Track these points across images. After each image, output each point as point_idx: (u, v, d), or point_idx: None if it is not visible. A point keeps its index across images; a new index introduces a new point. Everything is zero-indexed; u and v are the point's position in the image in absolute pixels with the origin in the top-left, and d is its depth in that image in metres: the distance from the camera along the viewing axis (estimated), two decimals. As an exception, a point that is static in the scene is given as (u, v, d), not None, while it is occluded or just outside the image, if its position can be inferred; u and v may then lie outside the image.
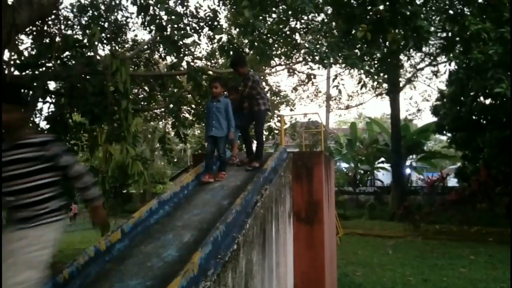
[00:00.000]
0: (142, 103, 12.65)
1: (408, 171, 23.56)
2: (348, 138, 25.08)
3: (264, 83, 14.15)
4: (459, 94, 15.27)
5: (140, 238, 3.29)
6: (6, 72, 5.92)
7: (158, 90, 11.49)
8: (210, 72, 10.51)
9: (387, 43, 9.24)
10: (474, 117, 15.48)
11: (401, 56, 13.60)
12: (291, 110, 18.84)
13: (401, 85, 20.67)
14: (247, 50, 10.02)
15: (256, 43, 7.99)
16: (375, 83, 12.33)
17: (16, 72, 7.07)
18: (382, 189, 23.43)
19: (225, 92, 4.84)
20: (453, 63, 11.65)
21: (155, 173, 32.48)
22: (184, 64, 9.62)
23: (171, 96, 10.83)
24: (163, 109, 12.91)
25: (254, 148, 5.18)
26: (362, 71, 8.97)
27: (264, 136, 5.42)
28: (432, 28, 9.26)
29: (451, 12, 9.69)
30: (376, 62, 10.91)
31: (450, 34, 10.12)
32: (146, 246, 3.13)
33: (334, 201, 6.88)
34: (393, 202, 19.18)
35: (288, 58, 13.68)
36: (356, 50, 9.62)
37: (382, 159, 23.96)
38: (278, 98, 17.54)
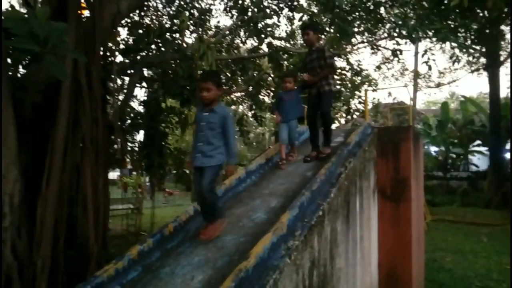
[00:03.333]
0: (224, 86, 13.22)
1: (508, 155, 21.05)
2: (438, 119, 23.16)
3: (345, 62, 13.75)
4: None
5: (231, 203, 3.55)
6: (111, 58, 6.65)
7: (239, 73, 11.91)
8: (291, 52, 10.54)
9: (486, 11, 8.31)
10: None
11: (503, 26, 12.08)
12: (374, 90, 18.03)
13: (501, 59, 18.38)
14: (327, 28, 9.83)
15: (336, 20, 7.81)
16: (471, 57, 11.19)
17: (119, 59, 7.91)
18: (477, 174, 21.35)
19: (295, 87, 4.68)
20: None
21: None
22: (264, 46, 9.82)
23: (251, 80, 11.15)
24: (243, 93, 13.37)
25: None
26: (455, 45, 8.23)
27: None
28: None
29: None
30: (472, 34, 9.89)
31: None
32: (237, 209, 3.38)
33: (422, 181, 6.53)
34: (489, 188, 17.44)
35: (371, 34, 13.05)
36: (449, 22, 8.83)
37: (478, 142, 21.72)
38: (359, 77, 16.90)
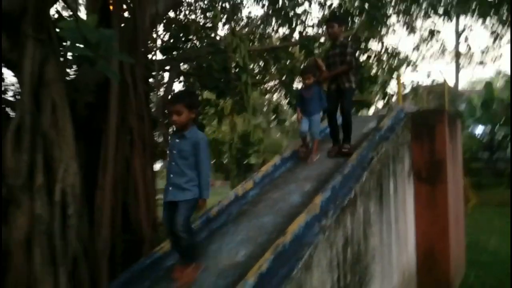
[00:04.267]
0: (258, 76, 13.45)
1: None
2: (483, 99, 22.05)
3: (380, 45, 13.47)
4: None
5: (268, 188, 3.82)
6: (149, 56, 7.07)
7: (271, 63, 12.06)
8: (322, 40, 10.55)
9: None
10: None
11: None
12: (412, 71, 17.49)
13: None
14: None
15: (366, 7, 7.75)
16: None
17: (159, 57, 8.34)
18: (526, 155, 20.16)
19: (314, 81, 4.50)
20: None
21: (271, 144, 34.12)
22: (296, 34, 9.90)
23: (283, 68, 11.28)
24: (277, 82, 13.51)
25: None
26: (496, 21, 7.91)
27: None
28: None
29: None
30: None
31: None
32: (273, 194, 3.65)
33: (461, 163, 6.46)
34: (539, 169, 16.50)
35: (407, 15, 12.70)
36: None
37: (526, 121, 20.45)
38: (396, 60, 16.46)
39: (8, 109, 6.63)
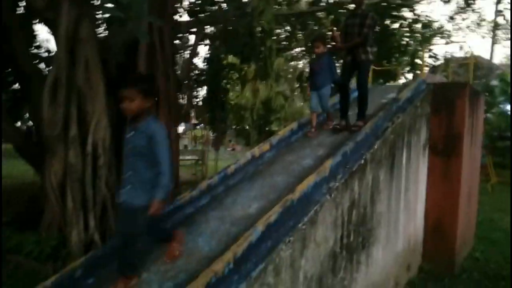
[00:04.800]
0: (284, 42, 13.32)
1: None
2: (518, 75, 21.01)
3: (412, 14, 12.96)
4: None
5: (284, 151, 4.03)
6: (175, 17, 7.18)
7: (298, 28, 11.89)
8: (351, 6, 10.28)
9: None
10: None
11: None
12: (447, 43, 16.79)
13: None
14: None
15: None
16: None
17: (184, 18, 8.45)
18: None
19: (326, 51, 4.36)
20: None
21: (294, 112, 34.05)
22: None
23: (311, 34, 11.14)
24: (303, 48, 13.36)
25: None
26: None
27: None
28: None
29: None
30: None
31: None
32: (288, 157, 3.86)
33: (480, 140, 6.43)
34: None
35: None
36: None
37: None
38: (429, 30, 15.81)
39: (41, 65, 7.01)
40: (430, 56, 13.37)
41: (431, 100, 5.21)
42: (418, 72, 11.79)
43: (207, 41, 10.64)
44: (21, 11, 6.34)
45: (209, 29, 10.63)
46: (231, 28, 9.05)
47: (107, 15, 5.48)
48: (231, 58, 11.30)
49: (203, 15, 8.54)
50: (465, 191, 5.42)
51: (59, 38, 4.58)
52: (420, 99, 4.89)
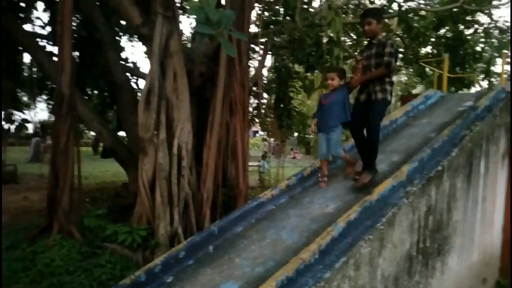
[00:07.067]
0: (349, 49, 13.30)
1: None
2: None
3: (489, 19, 12.28)
4: None
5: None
6: (251, 28, 7.64)
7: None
8: (423, 13, 10.06)
9: None
10: None
11: None
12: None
13: None
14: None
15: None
16: None
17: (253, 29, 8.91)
18: None
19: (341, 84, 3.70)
20: None
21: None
22: (394, 6, 9.60)
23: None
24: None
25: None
26: None
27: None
28: None
29: None
30: None
31: None
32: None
33: None
34: None
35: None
36: None
37: None
38: (505, 35, 14.74)
39: (130, 76, 7.85)
40: (508, 63, 12.48)
41: (511, 109, 5.02)
42: (493, 79, 11.12)
43: (274, 50, 11.03)
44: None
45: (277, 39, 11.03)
46: (297, 37, 9.33)
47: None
48: (297, 67, 11.58)
49: (273, 26, 8.94)
50: (551, 205, 5.10)
51: (153, 52, 5.18)
52: (499, 108, 4.75)
